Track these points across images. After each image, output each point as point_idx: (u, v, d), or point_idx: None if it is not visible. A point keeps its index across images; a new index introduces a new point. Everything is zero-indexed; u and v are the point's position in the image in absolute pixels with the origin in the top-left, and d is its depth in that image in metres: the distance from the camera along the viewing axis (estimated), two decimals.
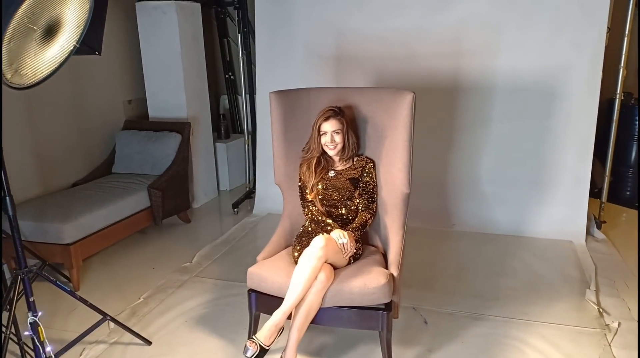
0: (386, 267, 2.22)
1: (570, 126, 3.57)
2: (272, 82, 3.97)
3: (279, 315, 1.99)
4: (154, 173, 3.86)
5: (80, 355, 2.38)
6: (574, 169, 3.62)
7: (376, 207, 2.42)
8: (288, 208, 2.60)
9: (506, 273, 3.15)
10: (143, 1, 4.11)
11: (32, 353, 2.15)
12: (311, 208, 2.43)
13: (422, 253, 3.40)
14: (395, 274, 2.15)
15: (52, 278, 2.24)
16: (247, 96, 4.61)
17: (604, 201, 3.83)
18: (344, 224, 2.37)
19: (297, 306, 2.02)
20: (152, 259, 3.47)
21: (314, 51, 4.00)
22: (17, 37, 1.65)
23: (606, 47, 3.40)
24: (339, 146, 2.37)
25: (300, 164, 2.48)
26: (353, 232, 2.27)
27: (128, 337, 2.48)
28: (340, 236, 2.16)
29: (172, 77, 4.23)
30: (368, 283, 2.05)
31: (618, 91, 3.61)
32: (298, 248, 2.28)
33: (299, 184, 2.49)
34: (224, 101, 5.55)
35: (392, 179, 2.37)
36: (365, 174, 2.40)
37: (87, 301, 2.32)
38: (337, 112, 2.35)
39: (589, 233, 3.66)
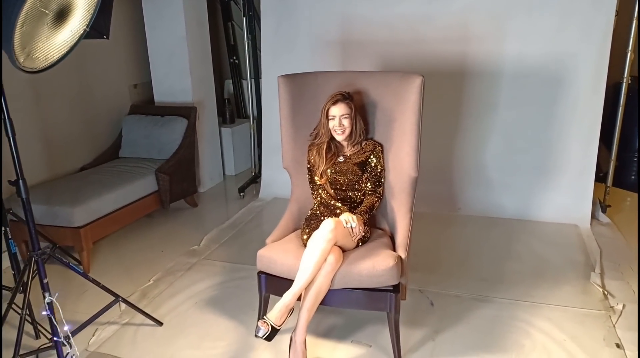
0: (394, 250, 2.25)
1: (576, 113, 3.57)
2: (278, 67, 3.96)
3: (290, 295, 2.02)
4: (160, 157, 3.88)
5: (93, 335, 2.42)
6: (579, 155, 3.62)
7: (383, 191, 2.44)
8: (296, 192, 2.62)
9: (512, 256, 3.18)
10: None
11: (47, 334, 2.20)
12: (320, 192, 2.45)
13: (428, 238, 3.43)
14: (403, 256, 2.18)
15: (65, 260, 2.27)
16: (252, 80, 4.61)
17: (609, 185, 3.84)
18: (352, 207, 2.40)
19: (307, 287, 2.05)
20: (160, 242, 3.51)
21: (320, 36, 3.98)
22: (29, 21, 1.66)
23: (614, 31, 3.38)
24: (347, 131, 2.37)
25: (309, 149, 2.49)
26: (361, 215, 2.29)
27: (139, 318, 2.53)
28: (349, 219, 2.18)
29: (178, 62, 4.23)
30: (376, 265, 2.07)
31: (625, 76, 3.60)
32: (307, 231, 2.30)
33: (308, 166, 2.51)
34: (229, 85, 5.55)
35: (400, 163, 2.38)
36: (373, 158, 2.42)
37: (100, 283, 2.36)
38: (345, 97, 2.36)
39: (594, 217, 3.68)
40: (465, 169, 3.90)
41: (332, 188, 2.43)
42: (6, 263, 2.89)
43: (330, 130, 2.38)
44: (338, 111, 2.34)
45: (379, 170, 2.42)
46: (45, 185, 3.37)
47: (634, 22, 3.47)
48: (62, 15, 1.81)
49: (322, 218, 2.25)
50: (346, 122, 2.35)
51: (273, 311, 2.00)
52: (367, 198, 2.40)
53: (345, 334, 2.41)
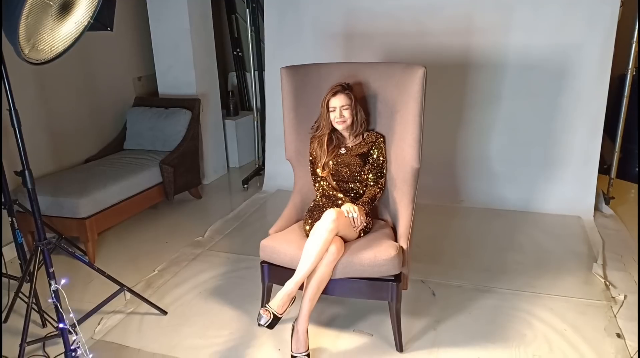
0: (396, 240, 2.26)
1: (580, 104, 3.56)
2: (282, 59, 3.95)
3: (292, 284, 2.04)
4: (165, 149, 3.91)
5: (99, 323, 2.46)
6: (583, 146, 3.62)
7: (385, 182, 2.45)
8: (299, 184, 2.64)
9: (514, 248, 3.19)
10: None
11: (53, 322, 2.23)
12: (322, 183, 2.47)
13: (431, 229, 3.44)
14: (404, 247, 2.20)
15: (70, 250, 2.30)
16: (256, 72, 4.61)
17: (612, 177, 3.83)
18: (354, 198, 2.41)
19: (309, 277, 2.07)
20: (164, 233, 3.54)
21: (324, 28, 3.98)
22: (34, 13, 1.67)
23: (619, 22, 3.36)
24: (348, 122, 2.38)
25: (311, 141, 2.50)
26: (363, 206, 2.31)
27: (144, 307, 2.56)
28: (350, 210, 2.20)
29: (181, 54, 4.24)
30: (378, 255, 2.09)
31: (630, 67, 3.58)
32: (309, 221, 2.32)
33: (310, 159, 2.52)
34: (232, 77, 5.55)
35: (403, 154, 2.39)
36: (374, 149, 2.43)
37: (105, 273, 2.39)
38: (345, 88, 2.36)
39: (597, 208, 3.68)
40: (468, 160, 3.91)
41: (334, 180, 2.44)
42: (13, 253, 2.94)
43: (331, 122, 2.39)
44: (338, 102, 2.35)
45: (381, 161, 2.43)
46: (51, 177, 3.40)
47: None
48: (66, 7, 1.82)
49: (324, 209, 2.26)
50: (347, 113, 2.36)
51: (275, 299, 2.03)
52: (369, 189, 2.42)
53: (347, 323, 2.43)
